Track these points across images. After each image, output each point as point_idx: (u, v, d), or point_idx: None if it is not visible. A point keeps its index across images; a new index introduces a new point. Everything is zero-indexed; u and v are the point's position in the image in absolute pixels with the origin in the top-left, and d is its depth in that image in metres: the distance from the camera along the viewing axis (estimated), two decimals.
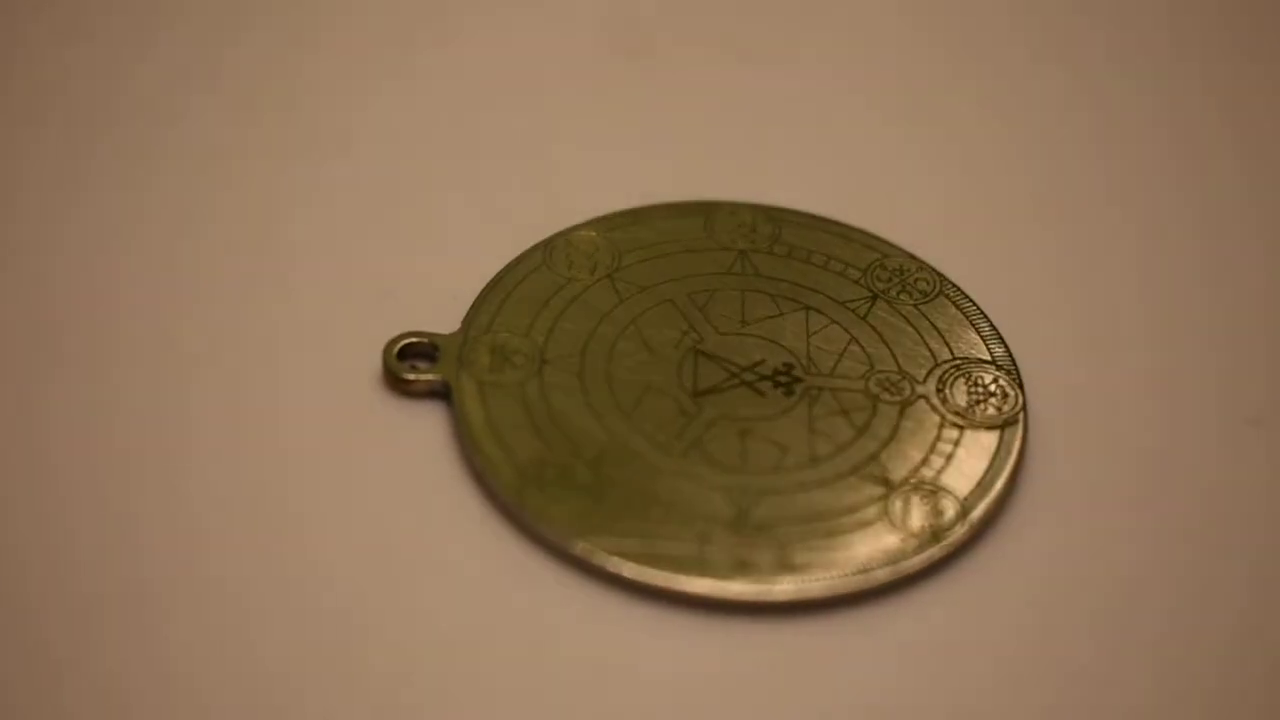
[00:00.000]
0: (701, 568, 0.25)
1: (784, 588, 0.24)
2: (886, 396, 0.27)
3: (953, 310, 0.28)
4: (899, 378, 0.27)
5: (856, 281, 0.28)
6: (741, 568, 0.25)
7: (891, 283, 0.28)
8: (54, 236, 0.27)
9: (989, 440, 0.26)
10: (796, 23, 0.31)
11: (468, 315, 0.27)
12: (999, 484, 0.26)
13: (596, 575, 0.25)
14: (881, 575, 0.25)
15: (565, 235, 0.28)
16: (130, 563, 0.24)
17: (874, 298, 0.28)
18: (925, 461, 0.26)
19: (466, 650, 0.24)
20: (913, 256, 0.28)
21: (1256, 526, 0.26)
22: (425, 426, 0.26)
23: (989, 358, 0.27)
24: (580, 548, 0.25)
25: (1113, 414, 0.27)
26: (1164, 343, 0.28)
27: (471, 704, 0.23)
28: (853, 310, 0.28)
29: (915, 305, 0.28)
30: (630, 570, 0.24)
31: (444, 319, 0.27)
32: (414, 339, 0.27)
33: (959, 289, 0.28)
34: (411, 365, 0.27)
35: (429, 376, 0.26)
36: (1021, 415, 0.27)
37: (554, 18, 0.31)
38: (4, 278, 0.26)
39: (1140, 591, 0.25)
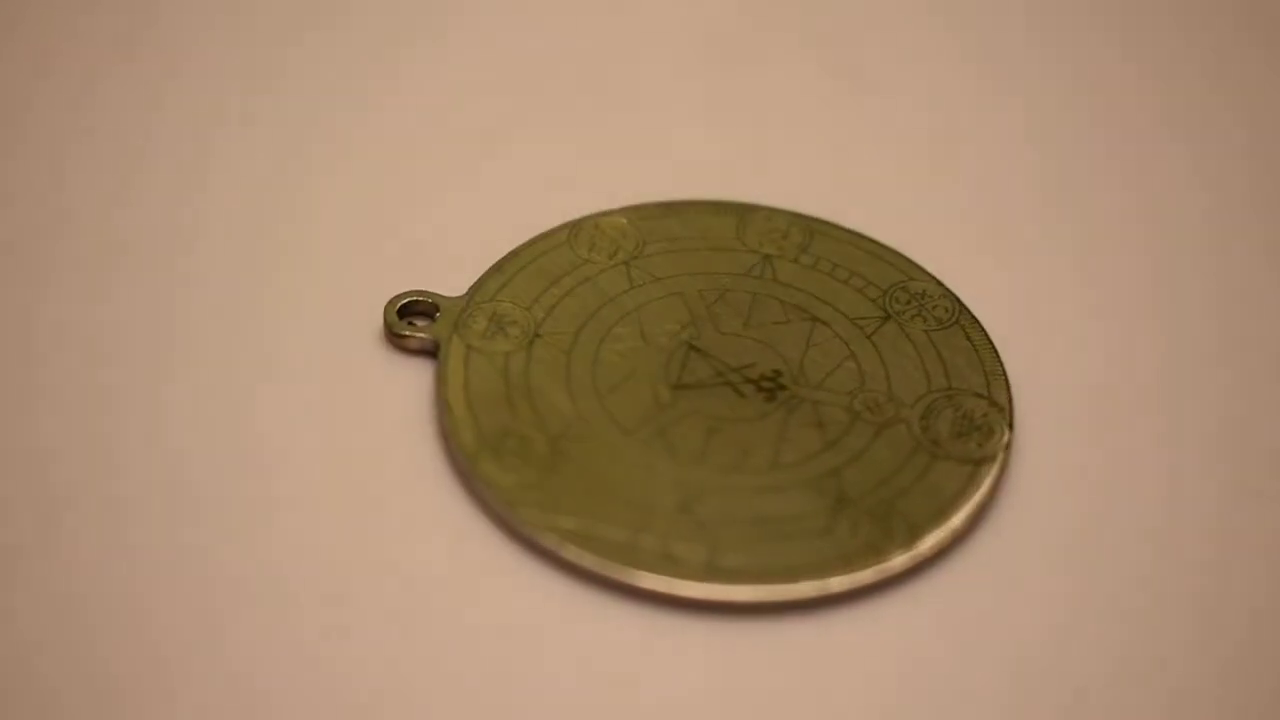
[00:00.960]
0: (629, 555, 0.25)
1: (699, 585, 0.24)
2: (867, 415, 0.26)
3: (963, 341, 0.27)
4: (885, 399, 0.27)
5: (874, 300, 0.28)
6: (667, 561, 0.25)
7: (909, 306, 0.28)
8: (60, 173, 0.28)
9: (960, 474, 0.26)
10: (875, 40, 0.31)
11: (477, 282, 0.28)
12: (957, 519, 0.25)
13: (531, 548, 0.25)
14: (806, 590, 0.25)
15: (596, 218, 0.29)
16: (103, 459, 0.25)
17: (886, 318, 0.28)
18: (886, 483, 0.26)
19: (388, 598, 0.24)
20: (939, 282, 0.28)
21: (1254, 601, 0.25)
22: (411, 382, 0.27)
23: (984, 392, 0.27)
24: (519, 517, 0.25)
25: (1107, 476, 0.26)
26: (1173, 410, 0.27)
27: (372, 647, 0.24)
28: (861, 328, 0.27)
29: (927, 331, 0.27)
30: (561, 546, 0.25)
31: (456, 284, 0.27)
32: (417, 298, 0.27)
33: (976, 321, 0.28)
34: (410, 323, 0.27)
35: (423, 335, 0.27)
36: (1003, 454, 0.26)
37: (636, 9, 0.31)
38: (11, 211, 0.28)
39: (1061, 665, 0.24)
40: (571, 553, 0.25)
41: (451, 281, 0.28)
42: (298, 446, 0.26)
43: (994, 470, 0.26)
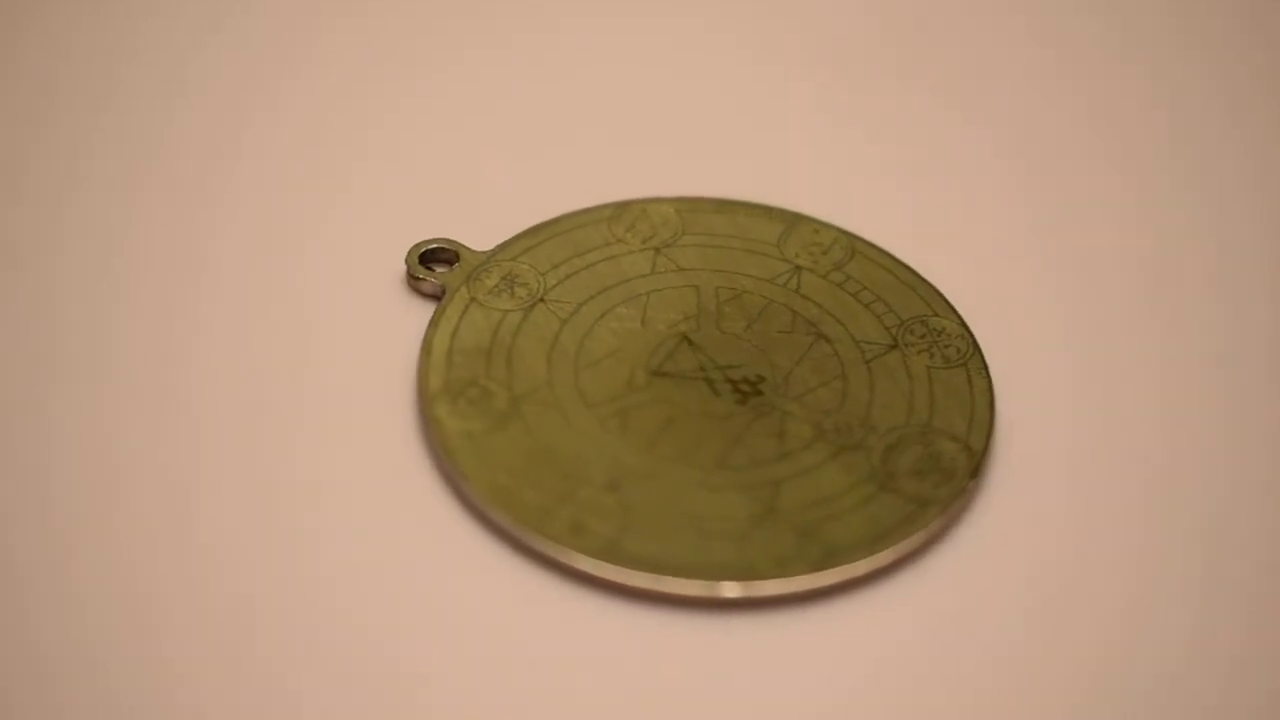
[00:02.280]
0: (540, 520, 0.25)
1: (594, 562, 0.24)
2: (832, 435, 0.26)
3: (963, 383, 0.27)
4: (857, 423, 0.26)
5: (889, 328, 0.27)
6: (574, 532, 0.25)
7: (921, 340, 0.27)
8: (100, 121, 0.29)
9: (902, 510, 0.25)
10: (973, 70, 0.31)
11: (507, 241, 0.28)
12: (883, 555, 0.25)
13: (458, 495, 0.25)
14: (693, 589, 0.24)
15: (645, 203, 0.29)
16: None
17: (893, 347, 0.27)
18: (823, 504, 0.25)
19: (302, 509, 0.25)
20: (961, 322, 0.27)
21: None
22: (416, 325, 0.27)
23: (962, 436, 0.26)
24: (454, 463, 0.25)
25: (1068, 551, 0.25)
26: (1162, 492, 0.26)
27: (290, 563, 0.25)
28: (863, 352, 0.27)
29: (930, 367, 0.27)
30: (482, 499, 0.25)
31: (488, 240, 0.28)
32: (443, 246, 0.28)
33: (984, 367, 0.27)
34: (430, 268, 0.28)
35: (433, 280, 0.28)
36: (957, 500, 0.25)
37: (745, 15, 0.31)
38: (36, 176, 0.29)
39: None
40: (488, 506, 0.25)
41: (484, 238, 0.28)
42: (292, 364, 0.27)
43: (938, 514, 0.25)
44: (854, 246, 0.28)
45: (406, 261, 0.28)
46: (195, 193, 0.28)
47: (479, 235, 0.28)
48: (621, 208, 0.29)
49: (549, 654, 0.24)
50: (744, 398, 0.26)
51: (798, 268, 0.28)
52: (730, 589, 0.24)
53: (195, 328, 0.27)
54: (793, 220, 0.29)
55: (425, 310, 0.28)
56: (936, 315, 0.28)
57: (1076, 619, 0.24)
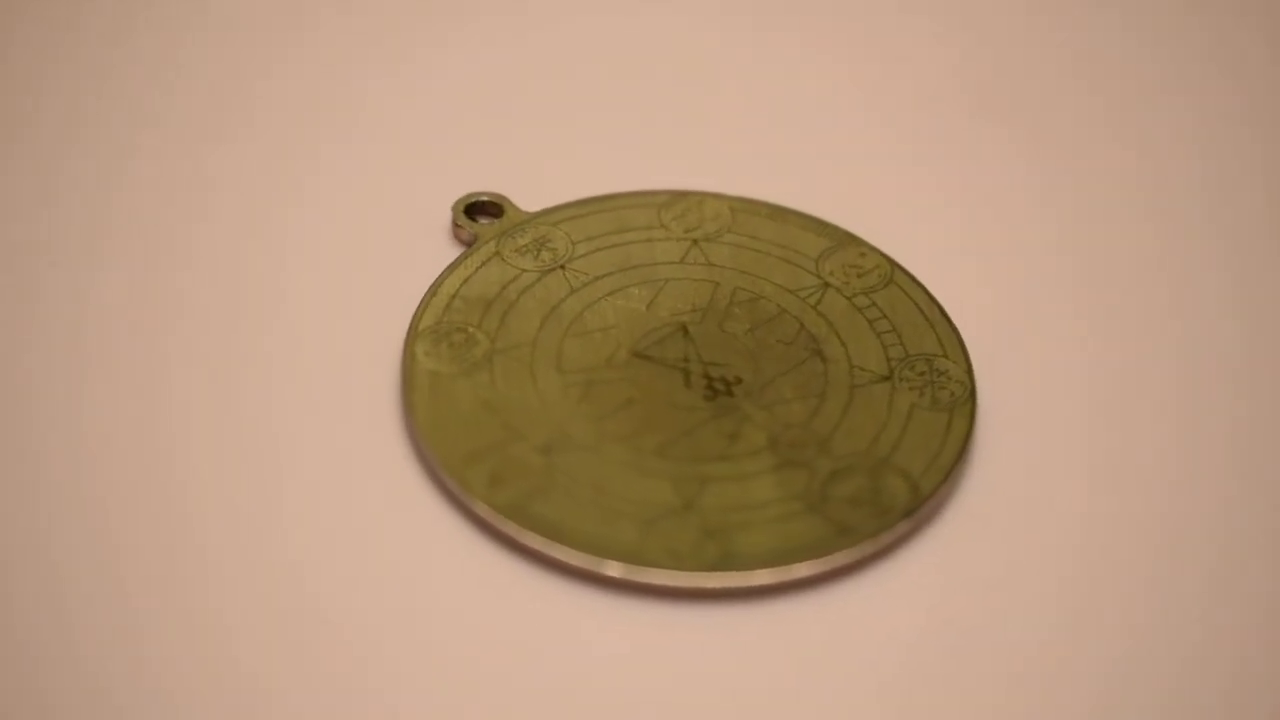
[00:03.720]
0: (459, 465, 0.25)
1: (487, 509, 0.25)
2: (783, 449, 0.26)
3: (941, 426, 0.26)
4: (813, 444, 0.26)
5: (891, 360, 0.27)
6: (492, 482, 0.25)
7: (920, 377, 0.26)
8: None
9: (820, 532, 0.25)
10: (1053, 113, 0.30)
11: (553, 207, 0.29)
12: (779, 569, 0.24)
13: (405, 430, 0.26)
14: (579, 560, 0.24)
15: (703, 196, 0.29)
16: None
17: (887, 379, 0.26)
18: (739, 510, 0.25)
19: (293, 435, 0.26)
20: (968, 369, 0.27)
21: None
22: (442, 269, 0.28)
23: (914, 476, 0.25)
24: (409, 397, 0.26)
25: (980, 610, 0.24)
26: (1102, 530, 0.25)
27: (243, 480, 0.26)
28: (854, 379, 0.26)
29: (915, 405, 0.26)
30: (418, 435, 0.26)
31: (539, 204, 0.29)
32: (492, 200, 0.29)
33: (973, 414, 0.26)
34: (474, 219, 0.29)
35: (469, 231, 0.28)
36: (883, 535, 0.25)
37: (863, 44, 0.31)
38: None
39: None
40: (425, 442, 0.26)
41: (538, 202, 0.29)
42: (318, 294, 0.28)
43: (854, 545, 0.25)
44: (893, 275, 0.28)
45: (452, 209, 0.29)
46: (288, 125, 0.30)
47: (531, 197, 0.29)
48: (679, 197, 0.29)
49: (432, 591, 0.24)
50: (713, 395, 0.26)
51: (826, 285, 0.28)
52: (614, 568, 0.24)
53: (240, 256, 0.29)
54: (843, 239, 0.28)
55: (451, 254, 0.28)
56: (945, 356, 0.27)
57: (946, 696, 0.24)
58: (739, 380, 0.26)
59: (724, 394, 0.26)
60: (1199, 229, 0.29)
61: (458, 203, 0.29)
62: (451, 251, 0.28)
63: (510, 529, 0.25)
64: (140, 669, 0.23)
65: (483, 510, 0.25)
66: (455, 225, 0.28)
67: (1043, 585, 0.25)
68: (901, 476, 0.25)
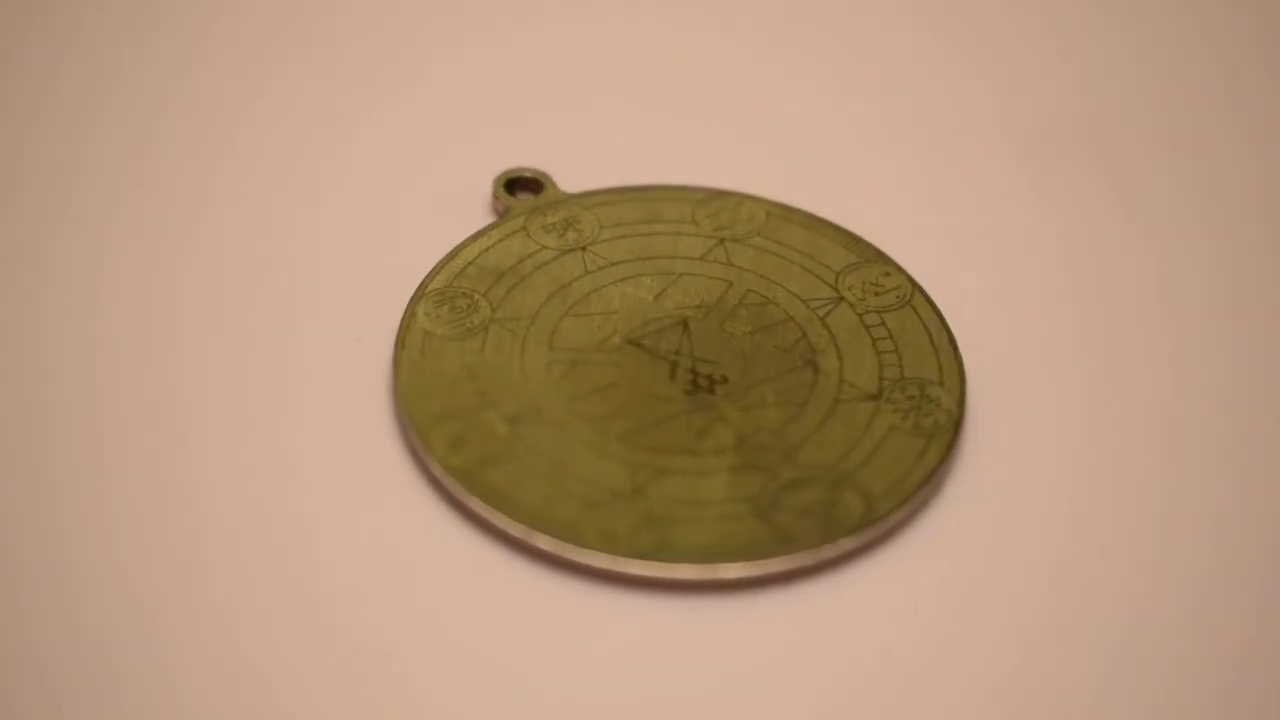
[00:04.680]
0: (430, 423, 0.25)
1: (446, 476, 0.25)
2: (747, 452, 0.25)
3: (915, 452, 0.25)
4: (779, 452, 0.25)
5: (884, 379, 0.26)
6: (452, 444, 0.25)
7: (908, 401, 0.26)
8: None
9: (753, 536, 0.24)
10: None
11: (592, 190, 0.29)
12: (706, 567, 0.24)
13: (393, 395, 0.26)
14: (515, 530, 0.24)
15: (742, 197, 0.29)
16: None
17: (873, 399, 0.26)
18: (687, 504, 0.25)
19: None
20: (961, 400, 0.26)
21: None
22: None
23: (873, 497, 0.25)
24: (400, 356, 0.26)
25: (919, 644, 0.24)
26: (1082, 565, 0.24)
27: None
28: (840, 393, 0.26)
29: (895, 427, 0.26)
30: (396, 398, 0.26)
31: (579, 186, 0.29)
32: (533, 176, 0.29)
33: (951, 444, 0.26)
34: (514, 194, 0.29)
35: (505, 205, 0.29)
36: (824, 549, 0.24)
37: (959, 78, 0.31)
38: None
39: None
40: (401, 399, 0.26)
41: (579, 184, 0.29)
42: (351, 256, 0.28)
43: (790, 555, 0.24)
44: (911, 297, 0.27)
45: (493, 182, 0.29)
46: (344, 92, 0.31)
47: (573, 179, 0.29)
48: (717, 195, 0.29)
49: (375, 541, 0.25)
50: (694, 390, 0.26)
51: (841, 299, 0.27)
52: (544, 542, 0.24)
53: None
54: (871, 256, 0.28)
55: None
56: (940, 384, 0.26)
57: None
58: (724, 379, 0.26)
59: (705, 391, 0.26)
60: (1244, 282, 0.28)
61: (499, 176, 0.29)
62: (486, 223, 0.29)
63: (457, 490, 0.25)
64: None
65: (437, 470, 0.25)
66: (495, 198, 0.29)
67: (981, 627, 0.24)
68: (859, 494, 0.25)
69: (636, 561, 0.24)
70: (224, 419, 0.26)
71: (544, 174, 0.29)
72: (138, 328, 0.27)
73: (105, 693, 0.23)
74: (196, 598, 0.24)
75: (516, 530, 0.25)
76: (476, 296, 0.27)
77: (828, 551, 0.25)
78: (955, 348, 0.27)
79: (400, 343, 0.27)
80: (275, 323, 0.27)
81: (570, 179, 0.29)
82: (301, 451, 0.26)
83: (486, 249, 0.28)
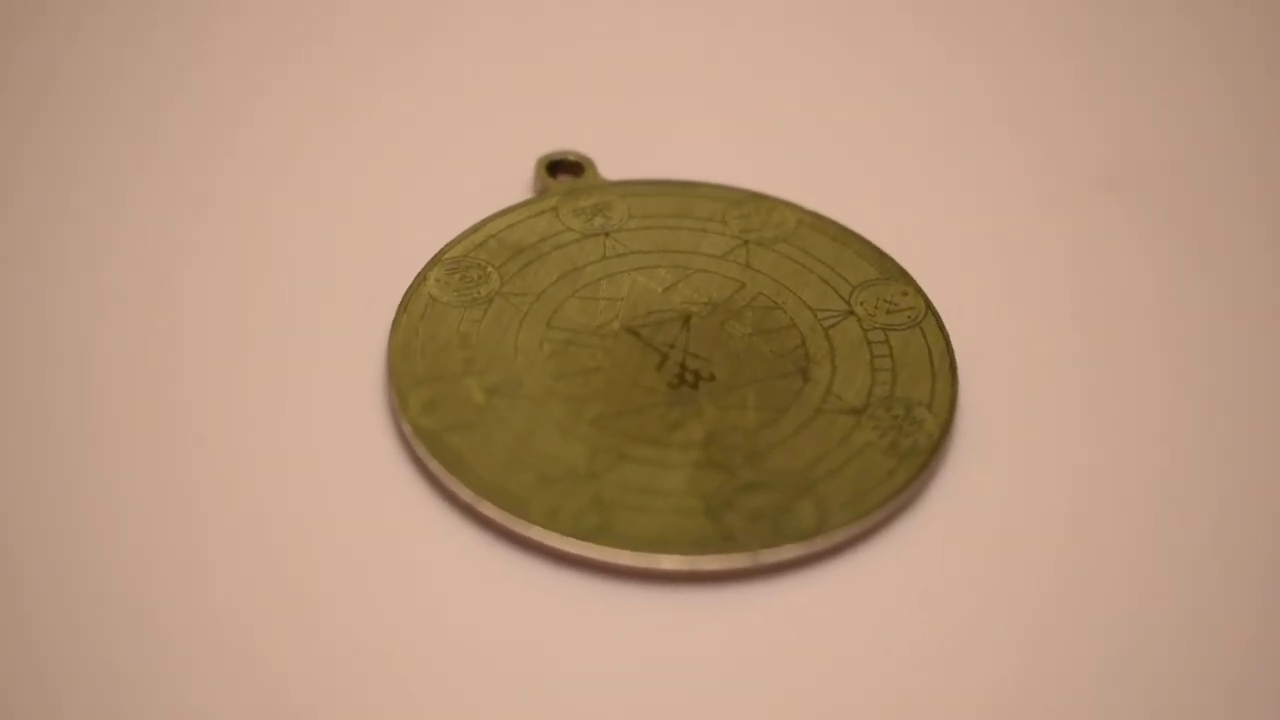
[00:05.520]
0: (411, 385, 0.26)
1: (413, 434, 0.25)
2: (715, 451, 0.25)
3: (886, 469, 0.25)
4: (743, 453, 0.25)
5: (872, 395, 0.26)
6: (426, 407, 0.26)
7: (891, 419, 0.26)
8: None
9: (696, 531, 0.24)
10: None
11: (630, 180, 0.29)
12: (645, 555, 0.24)
13: (387, 348, 0.27)
14: (465, 496, 0.25)
15: (776, 202, 0.29)
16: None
17: (857, 412, 0.26)
18: (640, 493, 0.25)
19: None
20: (946, 425, 0.26)
21: None
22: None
23: (830, 507, 0.25)
24: (397, 317, 0.27)
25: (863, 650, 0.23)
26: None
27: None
28: (825, 401, 0.26)
29: (870, 443, 0.25)
30: (391, 351, 0.26)
31: (621, 174, 0.29)
32: (578, 160, 0.29)
33: (924, 466, 0.25)
34: (554, 177, 0.29)
35: (543, 185, 0.29)
36: (764, 553, 0.24)
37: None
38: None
39: None
40: (393, 359, 0.26)
41: (622, 172, 0.29)
42: (394, 233, 0.29)
43: (726, 554, 0.24)
44: (922, 319, 0.27)
45: (537, 163, 0.29)
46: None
47: (616, 166, 0.29)
48: (753, 198, 0.29)
49: (336, 490, 0.25)
50: (678, 384, 0.26)
51: (850, 312, 0.27)
52: (491, 510, 0.25)
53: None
54: (893, 274, 0.28)
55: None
56: (928, 408, 0.26)
57: None
58: (711, 377, 0.26)
59: (689, 385, 0.26)
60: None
61: (543, 158, 0.29)
62: (522, 193, 0.29)
63: (421, 451, 0.25)
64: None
65: (407, 429, 0.26)
66: (537, 178, 0.29)
67: (906, 655, 0.24)
68: (816, 505, 0.25)
69: (574, 541, 0.24)
70: (225, 372, 0.26)
71: (587, 158, 0.29)
72: (143, 283, 0.28)
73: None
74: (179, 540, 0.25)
75: (466, 496, 0.25)
76: (490, 269, 0.28)
77: (767, 556, 0.24)
78: (954, 373, 0.26)
79: (404, 305, 0.27)
80: (296, 291, 0.28)
81: (613, 167, 0.29)
82: (295, 408, 0.26)
83: (512, 225, 0.28)
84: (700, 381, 0.26)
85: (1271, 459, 0.25)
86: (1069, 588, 0.24)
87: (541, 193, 0.29)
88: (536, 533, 0.24)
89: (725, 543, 0.24)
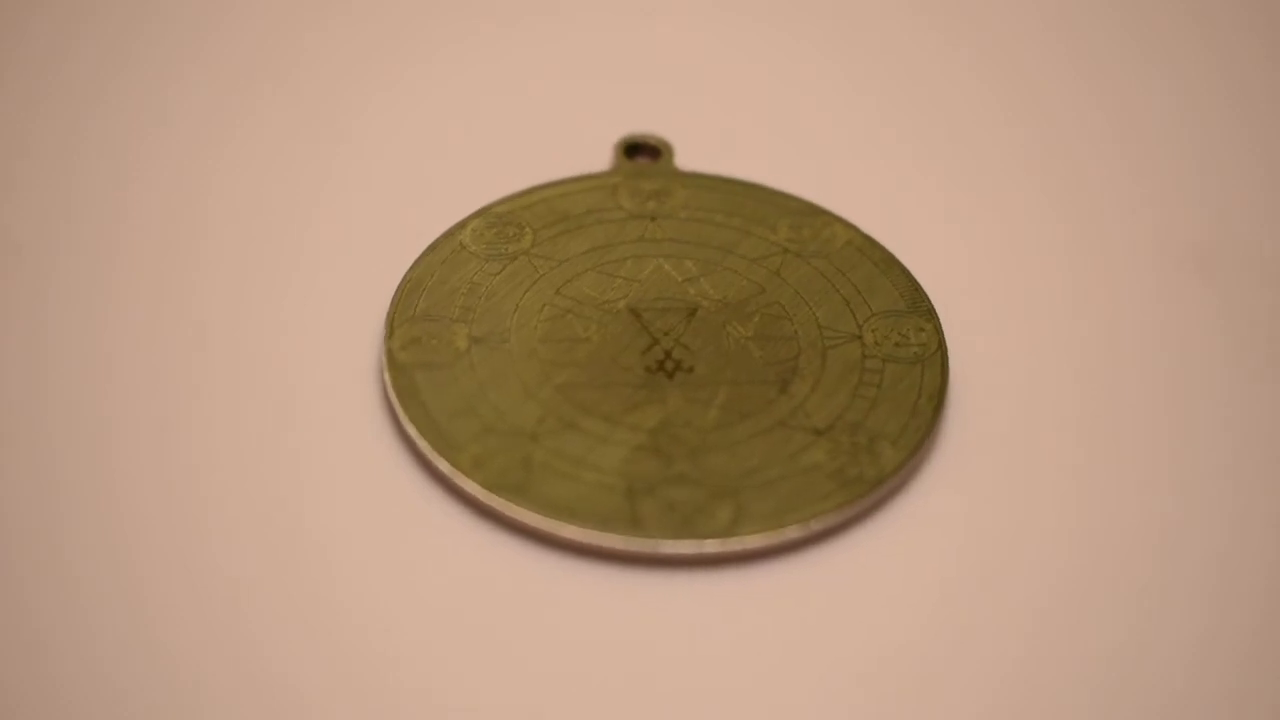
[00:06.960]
0: (398, 323, 0.26)
1: (385, 360, 0.26)
2: (661, 438, 0.25)
3: (837, 485, 0.25)
4: (695, 448, 0.25)
5: (847, 423, 0.26)
6: (404, 344, 0.26)
7: (854, 447, 0.25)
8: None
9: (611, 507, 0.24)
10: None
11: (699, 172, 0.29)
12: (560, 526, 0.24)
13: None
14: (421, 446, 0.25)
15: (831, 216, 0.28)
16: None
17: (819, 434, 0.25)
18: (574, 463, 0.25)
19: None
20: (914, 451, 0.25)
21: None
22: None
23: (773, 516, 0.24)
24: (416, 261, 0.28)
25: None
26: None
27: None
28: (795, 416, 0.26)
29: (823, 463, 0.25)
30: (395, 294, 0.27)
31: (697, 165, 0.29)
32: (651, 142, 0.29)
33: (887, 482, 0.25)
34: (633, 161, 0.29)
35: (616, 163, 0.29)
36: (652, 540, 0.24)
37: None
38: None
39: None
40: (393, 303, 0.27)
41: (698, 164, 0.29)
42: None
43: (620, 535, 0.24)
44: (928, 357, 0.26)
45: (617, 142, 0.30)
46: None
47: (693, 157, 0.29)
48: (813, 210, 0.28)
49: (305, 420, 0.26)
50: (656, 370, 0.26)
51: (858, 337, 0.27)
52: (424, 447, 0.25)
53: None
54: (920, 309, 0.27)
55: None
56: (893, 442, 0.25)
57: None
58: (690, 370, 0.26)
59: (665, 374, 0.26)
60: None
61: (624, 138, 0.30)
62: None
63: (386, 379, 0.26)
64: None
65: (383, 359, 0.26)
66: (615, 157, 0.30)
67: (766, 675, 0.23)
68: (734, 509, 0.25)
69: (487, 493, 0.25)
70: (238, 310, 0.27)
71: (666, 144, 0.29)
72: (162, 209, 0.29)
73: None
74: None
75: (410, 429, 0.25)
76: (527, 229, 0.28)
77: (666, 547, 0.24)
78: (936, 415, 0.26)
79: (433, 246, 0.28)
80: (352, 217, 0.29)
81: (691, 157, 0.29)
82: (307, 324, 0.27)
83: (566, 193, 0.29)
84: (678, 372, 0.26)
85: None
86: (935, 668, 0.24)
87: (611, 170, 0.29)
88: (460, 479, 0.25)
89: (631, 526, 0.24)
